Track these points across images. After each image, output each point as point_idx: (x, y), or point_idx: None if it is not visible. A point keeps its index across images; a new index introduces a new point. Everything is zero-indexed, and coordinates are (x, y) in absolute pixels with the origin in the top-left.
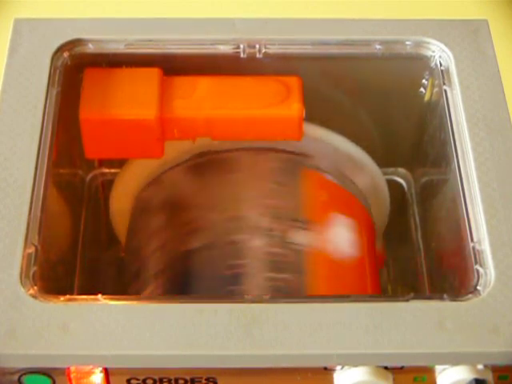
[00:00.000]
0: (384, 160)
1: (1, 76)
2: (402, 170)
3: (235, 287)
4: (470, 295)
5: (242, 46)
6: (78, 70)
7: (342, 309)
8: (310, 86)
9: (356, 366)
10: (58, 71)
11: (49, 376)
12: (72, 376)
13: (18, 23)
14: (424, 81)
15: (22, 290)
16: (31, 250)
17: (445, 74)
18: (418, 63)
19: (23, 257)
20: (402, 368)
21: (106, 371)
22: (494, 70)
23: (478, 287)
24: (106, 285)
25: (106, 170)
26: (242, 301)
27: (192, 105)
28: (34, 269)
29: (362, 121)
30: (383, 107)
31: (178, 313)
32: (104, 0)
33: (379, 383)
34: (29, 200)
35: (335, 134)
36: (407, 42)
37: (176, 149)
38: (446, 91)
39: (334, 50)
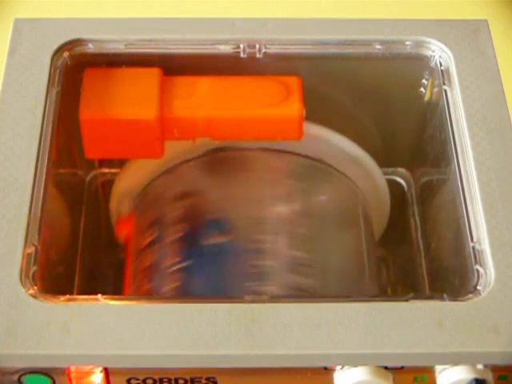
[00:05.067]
0: (384, 160)
1: (1, 76)
2: (401, 170)
3: (258, 285)
4: (470, 295)
5: (241, 46)
6: (78, 69)
7: (341, 309)
8: (309, 86)
9: (356, 366)
10: (57, 71)
11: (49, 376)
12: (72, 376)
13: (18, 23)
14: (424, 81)
15: (22, 289)
16: (31, 249)
17: (445, 73)
18: (418, 63)
19: (23, 257)
20: (401, 368)
21: (106, 371)
22: (494, 70)
23: (478, 287)
24: (106, 285)
25: (106, 170)
26: (242, 301)
27: (192, 105)
28: (33, 269)
29: (362, 121)
30: (383, 107)
31: (178, 313)
32: (104, 0)
33: (379, 383)
34: (29, 200)
35: (336, 133)
36: (407, 42)
37: (177, 148)
38: (445, 91)
39: (334, 50)
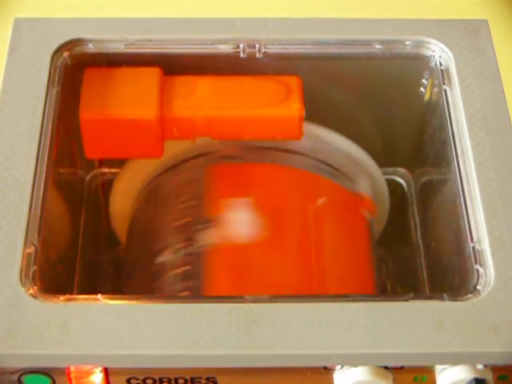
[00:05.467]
0: (384, 160)
1: (1, 76)
2: (402, 170)
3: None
4: (470, 295)
5: (241, 46)
6: (78, 69)
7: (341, 309)
8: (309, 86)
9: (356, 365)
10: (57, 71)
11: (49, 376)
12: (72, 376)
13: (18, 23)
14: (424, 81)
15: (22, 289)
16: (31, 249)
17: (445, 73)
18: (418, 63)
19: (23, 257)
20: (401, 368)
21: (106, 371)
22: (494, 70)
23: (478, 287)
24: (106, 284)
25: (106, 170)
26: (242, 301)
27: (192, 105)
28: (33, 269)
29: (362, 121)
30: (383, 107)
31: (178, 313)
32: (104, 0)
33: (379, 383)
34: (29, 200)
35: (335, 133)
36: (407, 42)
37: (175, 148)
38: (445, 91)
39: (334, 50)
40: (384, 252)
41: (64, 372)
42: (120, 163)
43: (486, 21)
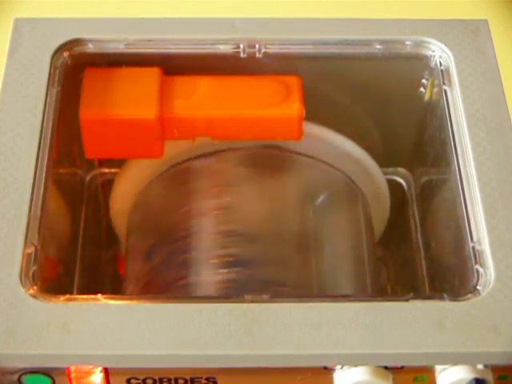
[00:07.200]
0: (384, 160)
1: (1, 76)
2: (402, 170)
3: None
4: (470, 295)
5: (241, 46)
6: (78, 69)
7: (342, 309)
8: (309, 86)
9: (356, 365)
10: (57, 71)
11: (49, 376)
12: (72, 376)
13: (18, 23)
14: (424, 81)
15: (22, 289)
16: (31, 249)
17: (445, 73)
18: (418, 63)
19: (23, 256)
20: (402, 368)
21: (106, 371)
22: (494, 70)
23: (478, 287)
24: (106, 284)
25: (106, 170)
26: (242, 301)
27: (192, 105)
28: (33, 269)
29: (362, 121)
30: (383, 107)
31: (178, 313)
32: (104, 0)
33: (379, 383)
34: (29, 200)
35: (336, 133)
36: (407, 42)
37: (175, 148)
38: (445, 91)
39: (334, 50)
40: (384, 252)
41: (64, 372)
42: (120, 163)
43: (486, 21)
